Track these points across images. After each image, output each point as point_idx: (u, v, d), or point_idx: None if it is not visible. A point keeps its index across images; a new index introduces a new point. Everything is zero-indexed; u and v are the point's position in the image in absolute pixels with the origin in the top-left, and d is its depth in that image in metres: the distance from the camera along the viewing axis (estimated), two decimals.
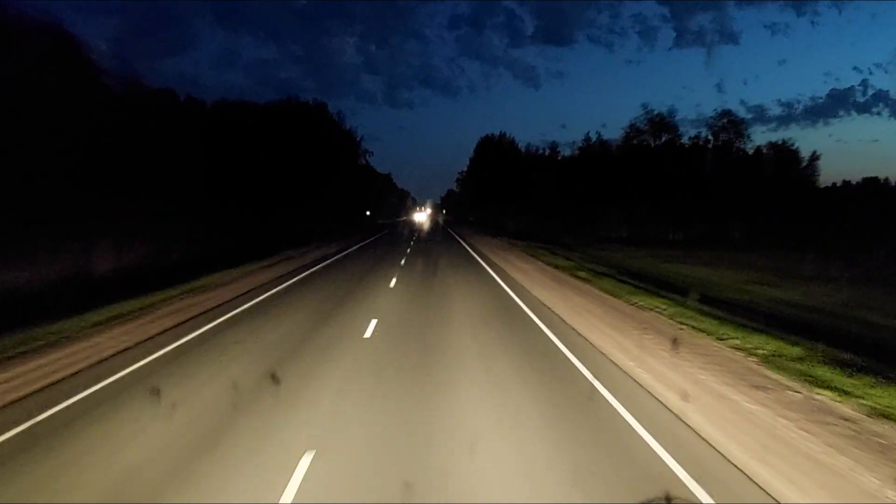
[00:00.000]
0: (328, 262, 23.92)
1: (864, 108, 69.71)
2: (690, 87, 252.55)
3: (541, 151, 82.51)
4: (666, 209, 51.63)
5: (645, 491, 4.37)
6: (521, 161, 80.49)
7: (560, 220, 66.32)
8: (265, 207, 38.99)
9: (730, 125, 56.82)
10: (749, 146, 57.67)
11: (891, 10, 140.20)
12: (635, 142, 52.91)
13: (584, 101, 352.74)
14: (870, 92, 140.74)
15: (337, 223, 56.45)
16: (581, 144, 67.41)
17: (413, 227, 60.98)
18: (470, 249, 29.92)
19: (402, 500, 4.27)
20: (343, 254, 28.19)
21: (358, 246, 34.08)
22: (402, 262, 22.94)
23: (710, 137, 58.38)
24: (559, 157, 79.91)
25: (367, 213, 67.82)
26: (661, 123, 52.19)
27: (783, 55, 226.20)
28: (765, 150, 59.50)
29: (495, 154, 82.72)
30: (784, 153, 57.06)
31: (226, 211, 33.82)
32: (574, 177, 63.66)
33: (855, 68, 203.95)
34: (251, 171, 37.51)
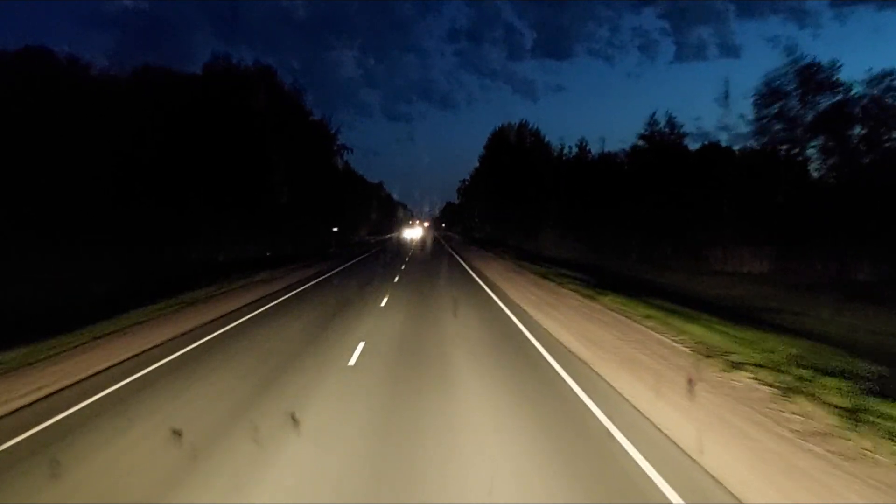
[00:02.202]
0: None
1: None
2: (691, 101, 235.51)
3: (566, 151, 61.04)
4: (827, 225, 30.03)
5: None
6: (553, 159, 58.97)
7: (615, 238, 45.03)
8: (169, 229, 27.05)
9: (891, 93, 35.20)
10: None
11: (893, 23, 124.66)
12: (777, 108, 31.06)
13: (583, 115, 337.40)
14: None
15: (274, 247, 35.37)
16: (645, 131, 45.36)
17: (402, 256, 38.12)
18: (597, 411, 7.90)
19: None
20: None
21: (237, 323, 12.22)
22: None
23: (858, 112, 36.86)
24: (589, 158, 58.66)
25: (335, 229, 46.14)
26: (819, 81, 30.47)
27: None
28: None
29: (517, 149, 61.27)
30: None
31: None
32: (643, 179, 42.29)
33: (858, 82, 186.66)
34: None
